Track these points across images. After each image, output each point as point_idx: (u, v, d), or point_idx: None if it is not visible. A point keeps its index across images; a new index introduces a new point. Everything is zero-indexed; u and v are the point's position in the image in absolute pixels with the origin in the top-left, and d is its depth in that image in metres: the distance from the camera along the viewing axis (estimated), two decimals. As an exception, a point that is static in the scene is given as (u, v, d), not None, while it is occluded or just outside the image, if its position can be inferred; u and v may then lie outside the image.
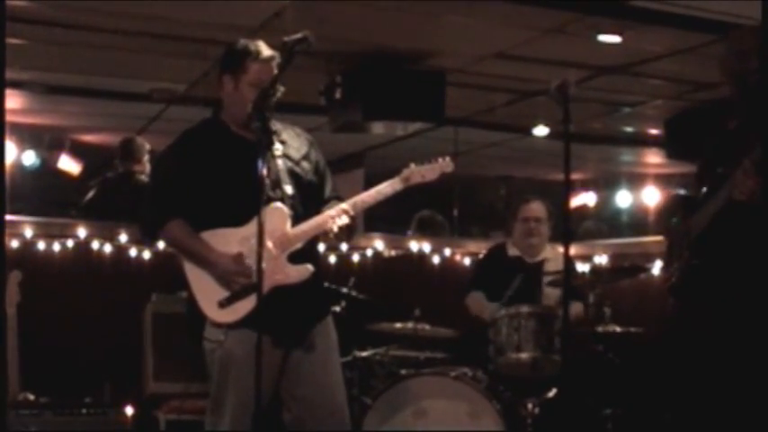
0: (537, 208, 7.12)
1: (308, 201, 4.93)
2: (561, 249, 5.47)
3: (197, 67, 8.80)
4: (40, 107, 10.36)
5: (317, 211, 4.91)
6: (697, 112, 9.61)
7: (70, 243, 8.19)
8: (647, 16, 7.18)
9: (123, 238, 8.27)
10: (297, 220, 4.83)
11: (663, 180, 13.21)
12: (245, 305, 4.74)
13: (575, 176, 13.70)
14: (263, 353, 4.54)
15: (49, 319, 7.59)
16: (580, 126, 10.65)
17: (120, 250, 8.29)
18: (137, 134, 10.60)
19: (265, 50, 4.88)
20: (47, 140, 11.88)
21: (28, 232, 8.01)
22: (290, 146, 5.01)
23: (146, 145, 8.68)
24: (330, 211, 4.83)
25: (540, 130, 10.79)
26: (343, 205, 4.84)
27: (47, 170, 11.88)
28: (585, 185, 14.07)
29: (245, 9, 7.20)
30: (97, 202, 8.68)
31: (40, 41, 8.02)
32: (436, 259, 9.31)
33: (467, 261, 9.18)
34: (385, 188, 4.87)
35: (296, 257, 4.81)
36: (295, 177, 4.93)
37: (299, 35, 4.59)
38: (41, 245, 8.10)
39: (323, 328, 4.97)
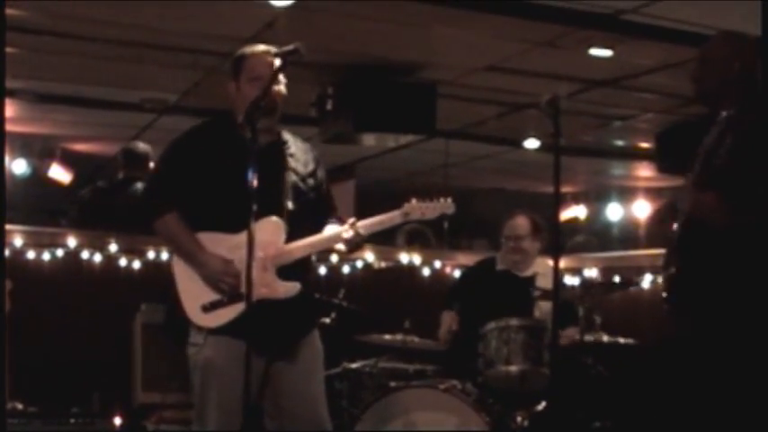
0: (518, 224, 7.06)
1: (307, 218, 4.91)
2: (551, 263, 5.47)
3: (188, 76, 8.81)
4: (31, 116, 10.36)
5: (315, 231, 4.91)
6: (688, 126, 9.63)
7: (60, 252, 8.17)
8: (639, 30, 7.21)
9: (113, 247, 8.25)
10: (293, 235, 4.81)
11: (654, 193, 13.24)
12: (229, 312, 4.73)
13: (565, 189, 13.73)
14: (242, 361, 4.57)
15: (38, 329, 7.57)
16: (571, 139, 10.68)
17: (110, 260, 8.27)
18: (128, 144, 10.59)
19: (258, 46, 4.94)
20: (37, 149, 11.87)
21: (18, 241, 7.99)
22: (298, 160, 5.01)
23: (149, 150, 8.63)
24: (332, 232, 4.88)
25: (531, 143, 10.81)
26: (357, 225, 4.83)
27: (37, 179, 11.87)
28: (576, 198, 14.09)
29: (237, 20, 7.22)
30: (88, 211, 8.66)
31: (31, 50, 8.02)
32: (426, 271, 9.30)
33: (457, 273, 9.18)
34: (384, 219, 4.88)
35: (287, 269, 4.80)
36: (298, 193, 4.92)
37: (290, 46, 4.61)
38: (31, 254, 8.09)
39: (308, 340, 4.96)
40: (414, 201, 4.86)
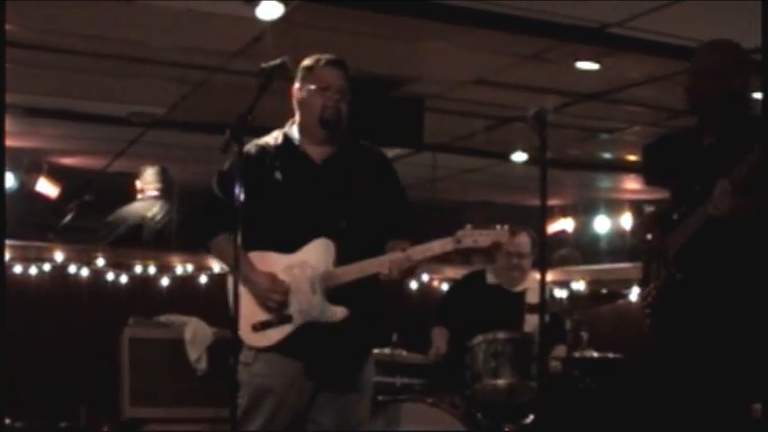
0: (523, 242, 7.03)
1: (366, 238, 4.75)
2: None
3: (176, 90, 8.81)
4: (18, 130, 10.33)
5: (376, 251, 4.72)
6: (675, 139, 9.65)
7: (47, 267, 8.16)
8: (625, 43, 7.23)
9: (100, 261, 8.25)
10: (349, 256, 4.68)
11: (641, 206, 13.26)
12: (277, 333, 4.68)
13: (553, 202, 13.74)
14: (296, 382, 4.63)
15: (25, 343, 7.55)
16: (558, 152, 10.69)
17: (97, 274, 8.26)
18: (115, 158, 10.62)
19: (329, 56, 4.85)
20: (24, 163, 11.83)
21: (5, 255, 7.97)
22: (359, 174, 4.86)
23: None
24: (381, 256, 4.66)
25: (519, 156, 10.82)
26: (407, 251, 4.62)
27: (24, 193, 11.83)
28: (564, 211, 14.09)
29: (225, 34, 7.22)
30: (74, 225, 8.68)
31: (18, 64, 8.00)
32: (414, 285, 9.30)
33: (444, 287, 9.17)
34: (435, 247, 4.64)
35: (340, 293, 4.67)
36: (354, 209, 4.79)
37: (277, 61, 4.58)
38: (18, 268, 8.08)
39: (364, 368, 4.88)
40: (468, 227, 4.63)
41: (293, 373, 4.67)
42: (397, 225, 4.86)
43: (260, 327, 4.70)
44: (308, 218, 4.69)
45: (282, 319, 4.69)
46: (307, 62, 4.87)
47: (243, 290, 4.71)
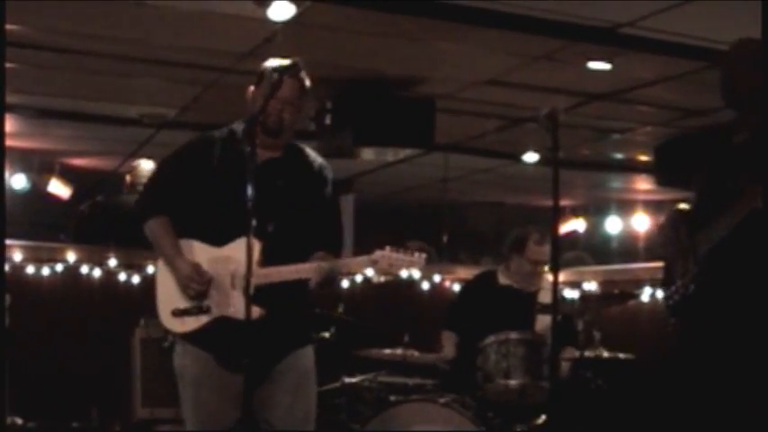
0: (546, 251, 7.02)
1: (293, 242, 4.82)
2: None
3: (187, 91, 8.82)
4: (30, 131, 10.36)
5: (303, 255, 4.79)
6: (687, 139, 9.64)
7: (59, 267, 8.17)
8: (637, 43, 7.21)
9: (112, 262, 8.25)
10: (275, 258, 4.72)
11: (652, 206, 13.24)
12: (194, 322, 4.76)
13: (564, 203, 13.73)
14: (214, 374, 4.71)
15: (37, 343, 7.57)
16: (570, 152, 10.69)
17: (109, 274, 8.28)
18: (126, 159, 10.63)
19: (286, 65, 4.82)
20: (36, 164, 11.88)
21: (17, 256, 8.00)
22: (295, 180, 4.92)
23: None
24: (301, 265, 4.74)
25: (530, 157, 10.82)
26: (321, 264, 4.73)
27: (36, 194, 11.87)
28: (575, 212, 14.08)
29: (236, 34, 7.22)
30: (87, 226, 8.67)
31: (30, 65, 8.03)
32: (426, 285, 9.30)
33: (456, 287, 9.17)
34: (350, 263, 4.84)
35: (262, 292, 4.61)
36: (287, 213, 4.85)
37: (288, 61, 4.61)
38: (30, 269, 8.09)
39: (290, 363, 4.88)
40: (387, 249, 4.74)
41: (206, 365, 4.75)
42: (323, 237, 4.93)
43: (179, 313, 4.78)
44: (238, 215, 4.60)
45: (200, 309, 4.75)
46: (263, 67, 4.90)
47: (167, 274, 4.85)
